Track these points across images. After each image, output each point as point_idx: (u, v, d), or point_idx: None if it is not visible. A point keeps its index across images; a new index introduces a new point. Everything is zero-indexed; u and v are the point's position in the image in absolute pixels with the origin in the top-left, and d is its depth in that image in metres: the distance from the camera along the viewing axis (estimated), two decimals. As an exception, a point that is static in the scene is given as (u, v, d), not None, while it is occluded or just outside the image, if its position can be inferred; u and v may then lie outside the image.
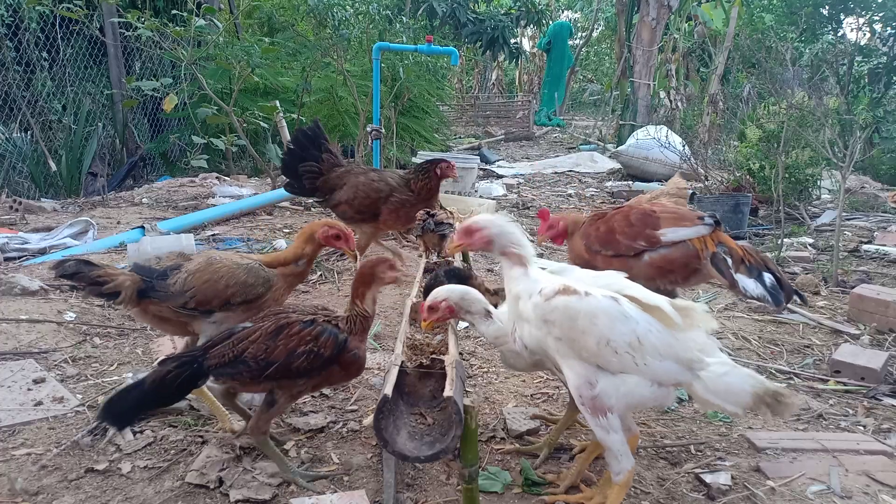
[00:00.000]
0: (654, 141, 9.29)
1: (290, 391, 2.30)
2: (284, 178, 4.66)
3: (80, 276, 2.56)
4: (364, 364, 2.36)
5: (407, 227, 4.86)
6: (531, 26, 24.29)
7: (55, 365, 3.21)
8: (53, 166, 8.34)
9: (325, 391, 3.09)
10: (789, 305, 4.42)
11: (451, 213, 3.95)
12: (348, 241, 2.76)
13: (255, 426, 2.33)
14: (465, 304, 2.26)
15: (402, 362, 2.27)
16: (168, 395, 2.23)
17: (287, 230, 6.42)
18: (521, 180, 10.55)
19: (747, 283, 2.81)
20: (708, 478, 2.45)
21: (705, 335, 2.09)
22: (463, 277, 2.69)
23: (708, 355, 2.07)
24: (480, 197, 8.18)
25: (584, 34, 25.38)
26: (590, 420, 2.01)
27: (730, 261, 2.86)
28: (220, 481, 2.32)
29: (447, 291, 2.26)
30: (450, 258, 3.56)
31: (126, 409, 2.20)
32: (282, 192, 7.61)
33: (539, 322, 2.04)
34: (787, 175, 6.60)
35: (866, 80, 15.33)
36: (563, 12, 29.65)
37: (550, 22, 22.69)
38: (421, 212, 3.79)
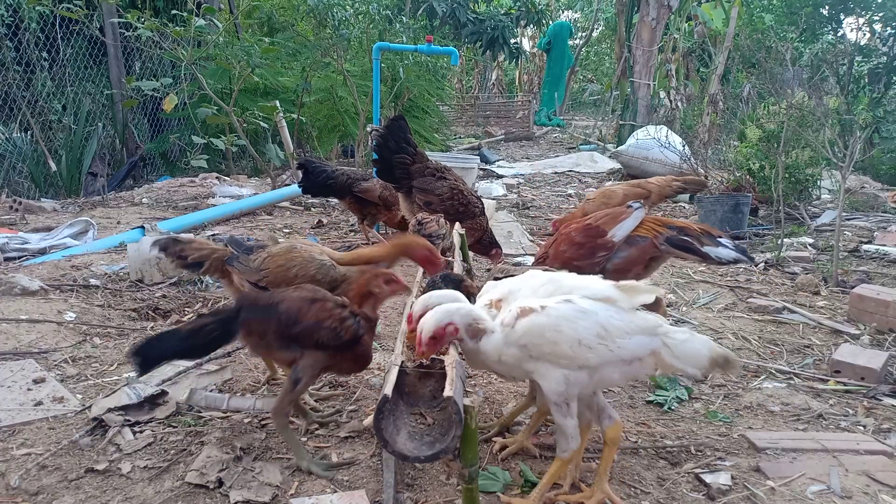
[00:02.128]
0: (654, 141, 9.29)
1: (309, 364, 2.40)
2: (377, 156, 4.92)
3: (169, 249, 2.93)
4: (370, 360, 2.52)
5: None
6: (531, 26, 24.33)
7: (55, 365, 3.21)
8: (53, 166, 8.35)
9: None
10: (789, 305, 4.46)
11: (442, 222, 3.88)
12: (436, 268, 2.87)
13: (277, 407, 2.43)
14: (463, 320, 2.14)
15: (402, 362, 2.26)
16: (199, 347, 2.36)
17: (287, 230, 6.42)
18: (521, 180, 10.55)
19: (719, 252, 2.95)
20: (708, 478, 2.45)
21: (655, 316, 2.22)
22: (458, 282, 2.68)
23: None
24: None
25: (584, 34, 25.41)
26: (552, 408, 2.15)
27: (689, 238, 2.95)
28: (220, 481, 2.31)
29: (435, 318, 2.12)
30: (449, 259, 3.55)
31: (156, 353, 2.31)
32: (282, 191, 7.65)
33: (516, 349, 2.10)
34: (787, 175, 6.60)
35: (866, 80, 15.31)
36: (563, 12, 29.69)
37: (550, 22, 22.73)
38: (413, 220, 3.80)
